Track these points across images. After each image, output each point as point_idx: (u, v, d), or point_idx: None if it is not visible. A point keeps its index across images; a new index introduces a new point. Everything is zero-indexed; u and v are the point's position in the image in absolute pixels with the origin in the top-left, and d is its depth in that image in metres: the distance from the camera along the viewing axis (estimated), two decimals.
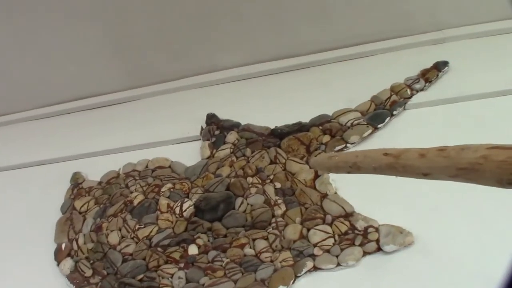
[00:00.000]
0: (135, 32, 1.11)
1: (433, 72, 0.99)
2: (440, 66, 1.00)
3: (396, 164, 0.46)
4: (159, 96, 1.18)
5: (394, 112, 0.94)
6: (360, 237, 0.77)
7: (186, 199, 0.90)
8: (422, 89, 0.98)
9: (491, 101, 0.92)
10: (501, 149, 0.37)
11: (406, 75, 1.00)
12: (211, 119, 1.05)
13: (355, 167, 0.54)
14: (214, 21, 1.09)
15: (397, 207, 0.80)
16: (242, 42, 1.13)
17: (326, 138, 0.93)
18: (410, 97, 0.96)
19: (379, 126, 0.92)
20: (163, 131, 1.08)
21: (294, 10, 1.07)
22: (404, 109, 0.96)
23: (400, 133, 0.92)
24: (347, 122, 0.94)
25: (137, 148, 1.08)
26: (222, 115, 1.06)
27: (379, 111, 0.95)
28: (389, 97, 0.96)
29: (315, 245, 0.78)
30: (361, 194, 0.83)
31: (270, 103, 1.07)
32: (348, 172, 0.56)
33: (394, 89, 0.98)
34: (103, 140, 1.12)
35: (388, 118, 0.93)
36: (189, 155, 1.01)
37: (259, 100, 1.08)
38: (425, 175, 0.44)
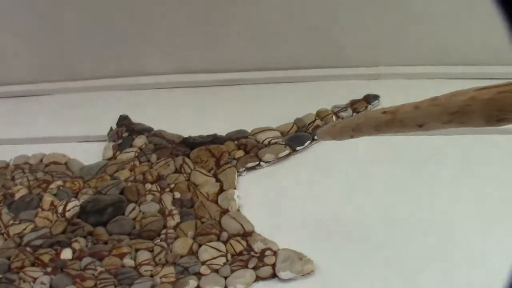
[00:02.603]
0: (61, 23, 1.04)
1: (362, 103, 0.95)
2: (370, 99, 0.96)
3: (395, 119, 0.49)
4: (75, 93, 1.09)
5: (316, 137, 0.88)
6: (255, 260, 0.69)
7: (73, 199, 0.80)
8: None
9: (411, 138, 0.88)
10: (488, 89, 0.38)
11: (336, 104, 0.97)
12: (123, 120, 0.97)
13: (357, 129, 0.56)
14: (144, 26, 1.04)
15: (302, 232, 0.73)
16: (172, 51, 1.07)
17: (239, 154, 0.86)
18: None
19: (297, 148, 0.87)
20: (70, 128, 0.98)
21: (228, 26, 1.03)
22: None
23: (319, 158, 0.86)
24: (264, 139, 0.88)
25: (40, 141, 0.97)
26: (139, 120, 0.98)
27: (300, 134, 0.89)
28: (313, 121, 0.91)
29: (203, 263, 0.69)
30: (266, 214, 0.76)
31: (191, 114, 1.00)
32: (352, 136, 0.59)
33: (319, 114, 0.93)
34: (5, 130, 1.01)
35: (308, 142, 0.88)
36: (92, 155, 0.92)
37: (180, 111, 1.01)
38: (420, 126, 0.46)
